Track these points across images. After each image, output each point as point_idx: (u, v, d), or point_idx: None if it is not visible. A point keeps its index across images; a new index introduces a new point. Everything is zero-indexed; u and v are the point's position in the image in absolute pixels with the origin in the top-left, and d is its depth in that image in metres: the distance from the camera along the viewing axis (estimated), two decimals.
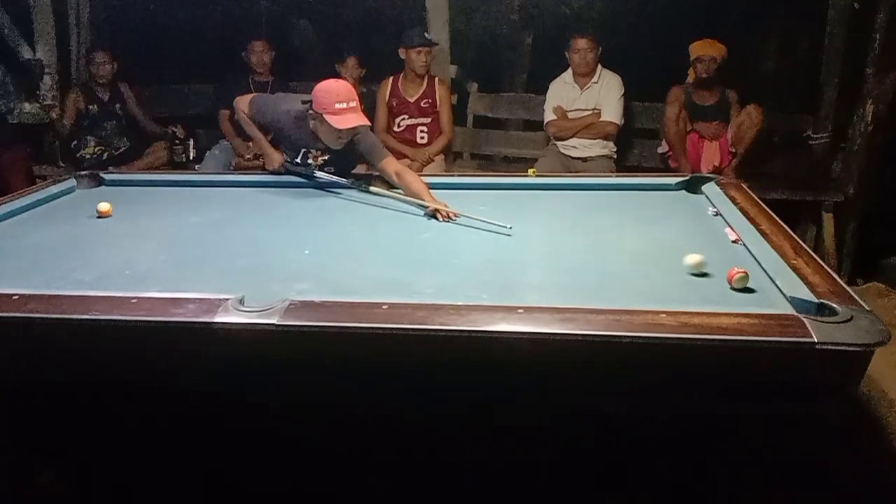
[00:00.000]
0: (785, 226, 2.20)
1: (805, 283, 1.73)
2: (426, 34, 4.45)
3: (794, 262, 1.87)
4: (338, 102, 2.83)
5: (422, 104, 4.47)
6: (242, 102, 3.25)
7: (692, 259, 1.92)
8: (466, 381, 1.59)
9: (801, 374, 1.50)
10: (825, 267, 1.84)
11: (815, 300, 1.63)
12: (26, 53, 4.75)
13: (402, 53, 4.41)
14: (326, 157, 3.03)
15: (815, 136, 4.49)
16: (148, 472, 1.92)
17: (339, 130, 2.88)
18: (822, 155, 4.50)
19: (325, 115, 2.84)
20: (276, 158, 3.19)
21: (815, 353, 1.43)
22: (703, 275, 1.91)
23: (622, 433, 1.66)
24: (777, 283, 1.79)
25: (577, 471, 1.79)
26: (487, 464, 1.76)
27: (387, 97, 4.50)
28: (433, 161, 4.47)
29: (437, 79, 4.51)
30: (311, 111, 2.92)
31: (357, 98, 2.92)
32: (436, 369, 1.59)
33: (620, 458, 1.74)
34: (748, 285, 1.80)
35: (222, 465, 1.89)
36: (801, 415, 1.55)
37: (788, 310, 1.62)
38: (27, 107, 4.74)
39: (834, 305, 1.57)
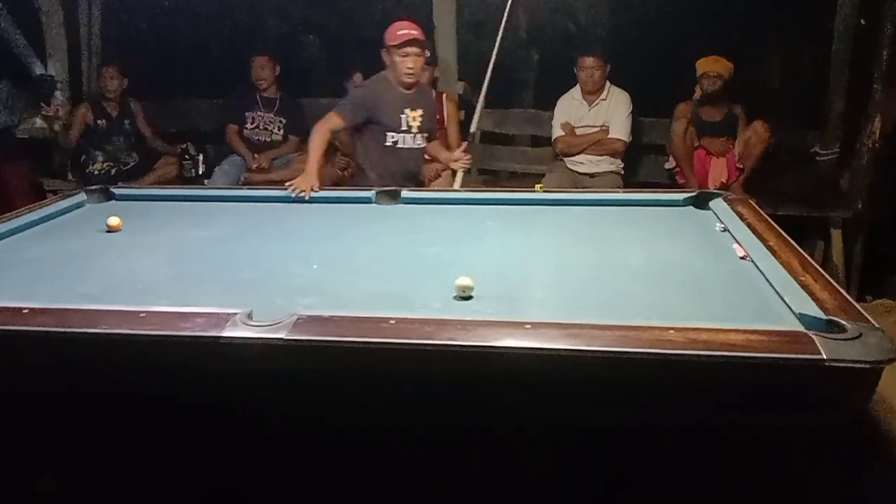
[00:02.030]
0: (793, 242, 2.19)
1: (813, 300, 1.72)
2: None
3: (803, 278, 1.86)
4: (399, 30, 3.24)
5: None
6: (333, 118, 3.36)
7: (461, 281, 1.87)
8: (473, 396, 1.59)
9: (810, 391, 1.49)
10: (833, 283, 1.83)
11: (824, 317, 1.62)
12: (38, 69, 4.79)
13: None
14: (421, 114, 3.42)
15: (823, 151, 4.48)
16: (154, 485, 1.92)
17: (399, 49, 3.21)
18: (829, 171, 4.49)
19: (389, 46, 3.24)
20: (310, 181, 3.14)
21: (824, 369, 1.42)
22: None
23: (629, 449, 1.66)
24: (785, 299, 1.78)
25: (583, 487, 1.78)
26: (495, 479, 1.76)
27: None
28: (440, 176, 4.47)
29: (444, 95, 4.53)
30: (384, 53, 3.31)
31: (420, 29, 3.26)
32: (443, 384, 1.59)
33: (628, 474, 1.73)
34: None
35: (229, 479, 1.89)
36: (809, 432, 1.54)
37: (797, 326, 1.61)
38: (38, 122, 4.77)
39: (843, 322, 1.56)
